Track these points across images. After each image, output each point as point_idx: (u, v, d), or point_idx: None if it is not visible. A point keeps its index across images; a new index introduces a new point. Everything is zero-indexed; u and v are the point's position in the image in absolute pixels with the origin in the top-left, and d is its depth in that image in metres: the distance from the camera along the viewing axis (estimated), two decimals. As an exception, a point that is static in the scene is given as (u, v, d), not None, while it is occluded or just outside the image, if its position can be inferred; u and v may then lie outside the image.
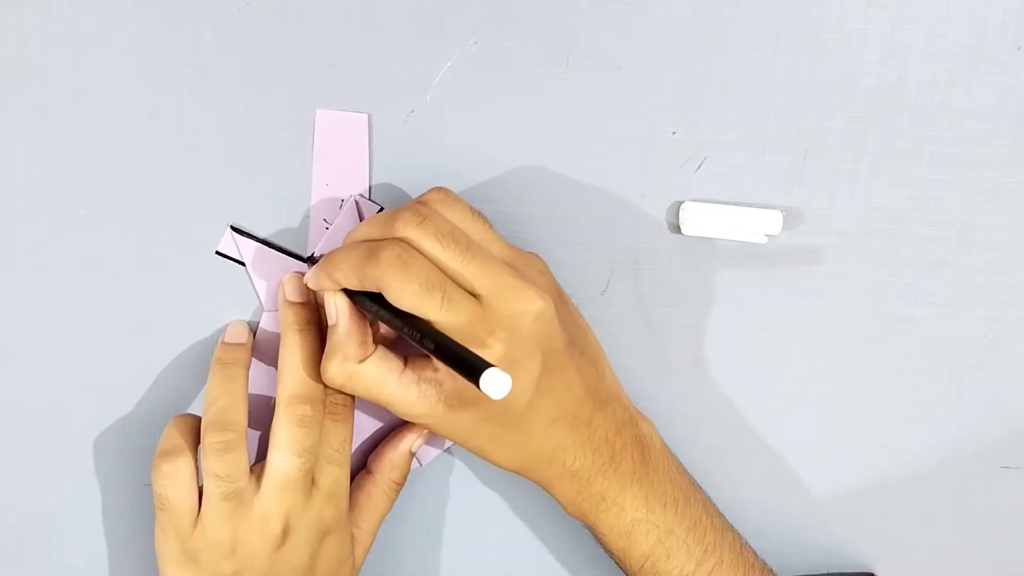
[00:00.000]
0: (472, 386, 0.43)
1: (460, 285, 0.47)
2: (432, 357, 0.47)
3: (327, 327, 0.53)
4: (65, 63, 0.52)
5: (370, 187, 0.54)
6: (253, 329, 0.55)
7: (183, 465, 0.51)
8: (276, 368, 0.52)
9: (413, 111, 0.54)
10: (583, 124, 0.54)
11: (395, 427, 0.57)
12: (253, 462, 0.53)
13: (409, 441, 0.56)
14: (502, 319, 0.47)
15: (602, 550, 0.55)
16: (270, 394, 0.55)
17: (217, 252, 0.55)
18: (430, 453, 0.58)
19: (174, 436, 0.52)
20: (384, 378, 0.49)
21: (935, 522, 0.60)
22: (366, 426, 0.57)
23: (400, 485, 0.56)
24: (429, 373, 0.49)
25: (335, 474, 0.53)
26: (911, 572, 0.61)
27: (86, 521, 0.58)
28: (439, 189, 0.50)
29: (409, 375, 0.49)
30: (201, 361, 0.56)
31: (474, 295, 0.47)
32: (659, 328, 0.57)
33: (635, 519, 0.52)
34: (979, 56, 0.54)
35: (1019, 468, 0.60)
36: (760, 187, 0.55)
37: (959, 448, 0.59)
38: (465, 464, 0.59)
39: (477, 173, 0.54)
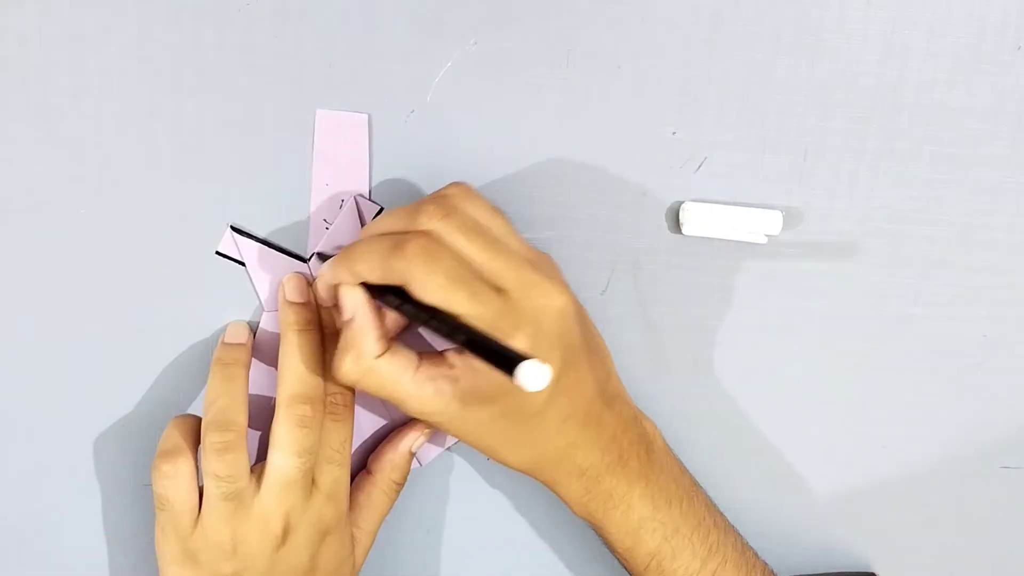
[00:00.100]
0: (489, 382, 0.43)
1: (485, 279, 0.47)
2: (453, 352, 0.47)
3: (326, 327, 0.54)
4: (65, 63, 0.52)
5: (370, 187, 0.54)
6: (253, 329, 0.55)
7: (183, 465, 0.51)
8: (276, 368, 0.52)
9: (413, 111, 0.54)
10: (583, 124, 0.54)
11: (395, 427, 0.57)
12: (253, 462, 0.53)
13: (409, 441, 0.56)
14: (526, 313, 0.47)
15: (604, 550, 0.55)
16: (270, 394, 0.55)
17: (217, 252, 0.55)
18: (430, 453, 0.58)
19: (174, 436, 0.52)
20: (398, 375, 0.49)
21: (935, 522, 0.60)
22: (366, 426, 0.57)
23: (400, 485, 0.56)
24: (444, 370, 0.49)
25: (335, 474, 0.53)
26: (911, 572, 0.61)
27: (86, 521, 0.58)
28: (458, 184, 0.50)
29: (424, 372, 0.49)
30: (201, 361, 0.56)
31: (498, 289, 0.47)
32: (659, 328, 0.57)
33: (642, 517, 0.52)
34: (979, 56, 0.54)
35: (1019, 468, 0.60)
36: (760, 187, 0.55)
37: (959, 448, 0.59)
38: (465, 464, 0.59)
39: (477, 173, 0.54)
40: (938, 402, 0.59)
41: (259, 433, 0.55)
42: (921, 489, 0.60)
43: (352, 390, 0.53)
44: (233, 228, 0.55)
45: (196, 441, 0.52)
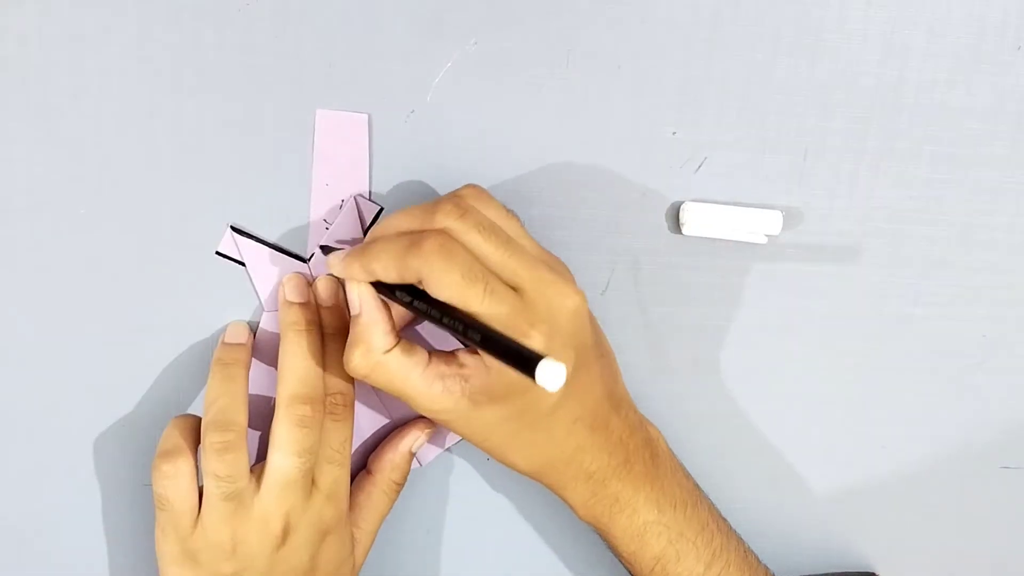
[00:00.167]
0: (500, 382, 0.43)
1: (501, 278, 0.47)
2: (464, 351, 0.47)
3: (326, 327, 0.54)
4: (65, 63, 0.52)
5: (370, 187, 0.54)
6: (253, 329, 0.55)
7: (183, 465, 0.51)
8: (276, 368, 0.52)
9: (413, 111, 0.54)
10: (583, 124, 0.54)
11: (395, 427, 0.57)
12: (253, 462, 0.53)
13: (409, 441, 0.56)
14: (541, 312, 0.47)
15: (603, 550, 0.55)
16: (270, 394, 0.55)
17: (217, 252, 0.55)
18: (430, 453, 0.58)
19: (174, 436, 0.52)
20: (408, 371, 0.49)
21: (935, 522, 0.60)
22: (366, 426, 0.57)
23: (400, 485, 0.56)
24: (455, 368, 0.49)
25: (335, 474, 0.53)
26: (911, 572, 0.61)
27: (86, 521, 0.58)
28: (472, 186, 0.50)
29: (434, 369, 0.49)
30: (201, 361, 0.56)
31: (513, 287, 0.47)
32: (659, 328, 0.57)
33: (647, 521, 0.52)
34: (979, 56, 0.54)
35: (1019, 468, 0.60)
36: (760, 187, 0.55)
37: (959, 448, 0.59)
38: (465, 464, 0.59)
39: (477, 173, 0.54)
40: (938, 402, 0.59)
41: (259, 433, 0.55)
42: (921, 489, 0.60)
43: (352, 390, 0.53)
44: (233, 228, 0.55)
45: (196, 441, 0.52)
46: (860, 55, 0.54)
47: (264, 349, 0.55)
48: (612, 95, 0.54)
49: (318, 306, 0.54)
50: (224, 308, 0.55)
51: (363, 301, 0.49)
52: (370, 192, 0.54)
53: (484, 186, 0.54)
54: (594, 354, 0.50)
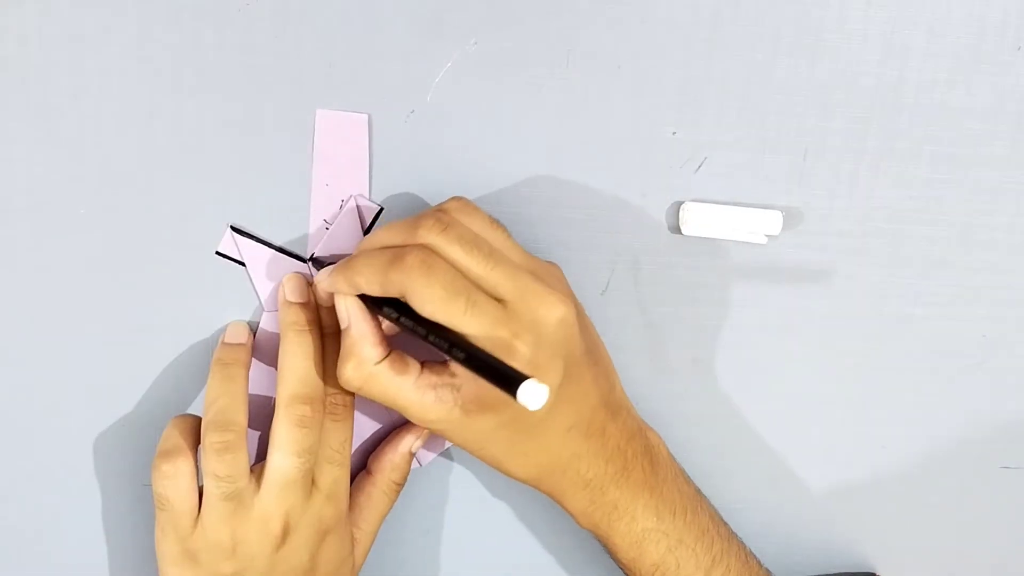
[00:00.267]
0: (492, 391, 0.43)
1: (484, 290, 0.47)
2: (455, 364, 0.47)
3: (326, 327, 0.54)
4: (65, 63, 0.52)
5: (370, 187, 0.54)
6: (253, 329, 0.55)
7: (183, 465, 0.51)
8: (276, 368, 0.52)
9: (413, 111, 0.54)
10: (583, 124, 0.54)
11: (395, 428, 0.57)
12: (253, 462, 0.53)
13: (409, 442, 0.56)
14: (526, 323, 0.47)
15: (602, 551, 0.55)
16: (270, 394, 0.55)
17: (217, 252, 0.55)
18: (430, 454, 0.58)
19: (174, 436, 0.52)
20: (400, 381, 0.49)
21: (935, 522, 0.60)
22: (366, 426, 0.57)
23: (400, 486, 0.56)
24: (447, 377, 0.49)
25: (335, 474, 0.53)
26: (911, 572, 0.61)
27: (86, 521, 0.58)
28: (458, 198, 0.51)
29: (426, 379, 0.49)
30: (201, 361, 0.56)
31: (498, 300, 0.47)
32: (659, 328, 0.57)
33: (646, 528, 0.52)
34: (979, 56, 0.54)
35: (1019, 468, 0.60)
36: (760, 187, 0.55)
37: (959, 448, 0.59)
38: (465, 465, 0.59)
39: (477, 173, 0.54)
40: (938, 402, 0.59)
41: (259, 433, 0.55)
42: (921, 489, 0.60)
43: (353, 392, 0.53)
44: (233, 228, 0.55)
45: (196, 441, 0.52)
46: (860, 55, 0.54)
47: (264, 349, 0.55)
48: (612, 95, 0.54)
49: (318, 306, 0.54)
50: (224, 308, 0.55)
51: (351, 314, 0.50)
52: (370, 192, 0.54)
53: (483, 186, 0.54)
54: (586, 362, 0.50)
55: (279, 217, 0.54)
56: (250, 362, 0.54)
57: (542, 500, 0.53)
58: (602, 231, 0.56)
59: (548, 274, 0.51)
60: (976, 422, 0.59)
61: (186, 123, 0.53)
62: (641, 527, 0.52)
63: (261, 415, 0.55)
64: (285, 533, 0.51)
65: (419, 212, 0.51)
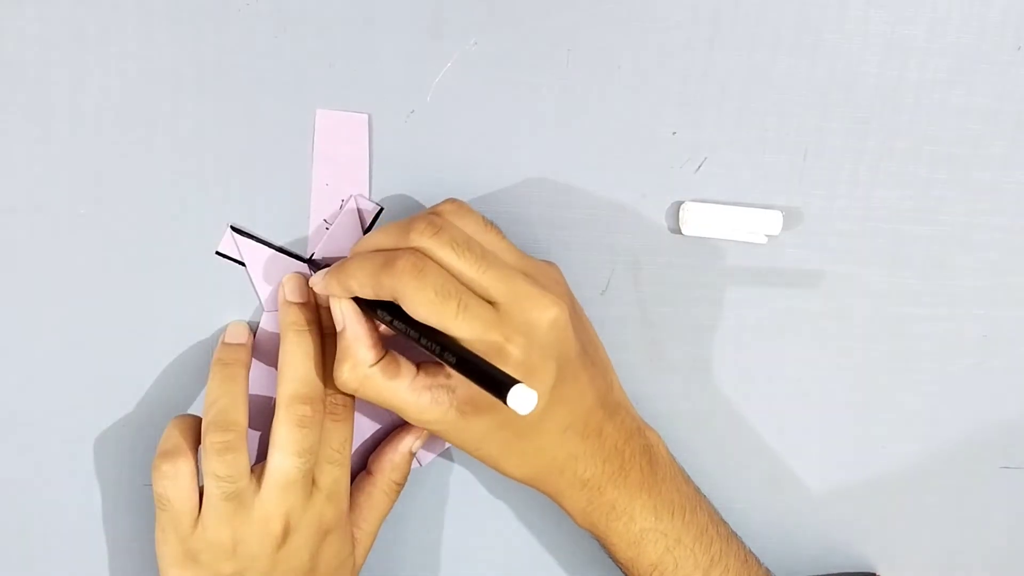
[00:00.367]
0: (486, 393, 0.43)
1: (476, 293, 0.47)
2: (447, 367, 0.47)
3: (326, 327, 0.54)
4: (65, 63, 0.52)
5: (370, 187, 0.54)
6: (253, 329, 0.55)
7: (183, 465, 0.51)
8: (276, 368, 0.52)
9: (413, 111, 0.54)
10: (583, 124, 0.54)
11: (395, 428, 0.57)
12: (254, 462, 0.53)
13: (409, 442, 0.56)
14: (518, 326, 0.47)
15: (602, 550, 0.55)
16: (270, 394, 0.55)
17: (217, 252, 0.55)
18: (430, 453, 0.58)
19: (174, 436, 0.52)
20: (396, 383, 0.49)
21: (935, 522, 0.60)
22: (366, 427, 0.57)
23: (400, 485, 0.56)
24: (442, 379, 0.49)
25: (335, 474, 0.53)
26: (911, 572, 0.61)
27: (86, 521, 0.58)
28: (452, 200, 0.51)
29: (421, 380, 0.49)
30: (201, 361, 0.56)
31: (490, 302, 0.47)
32: (659, 328, 0.57)
33: (644, 528, 0.52)
34: (979, 56, 0.54)
35: (1019, 468, 0.60)
36: (760, 187, 0.55)
37: (959, 448, 0.59)
38: (465, 464, 0.59)
39: (477, 173, 0.54)
40: (938, 402, 0.59)
41: (259, 433, 0.55)
42: (921, 489, 0.60)
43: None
44: (233, 228, 0.55)
45: (196, 441, 0.52)
46: (860, 55, 0.54)
47: (264, 349, 0.55)
48: (612, 95, 0.54)
49: (318, 306, 0.54)
50: (224, 308, 0.55)
51: (346, 317, 0.50)
52: (370, 192, 0.54)
53: (483, 186, 0.54)
54: (581, 363, 0.50)
55: (279, 217, 0.54)
56: (250, 362, 0.54)
57: (542, 500, 0.53)
58: (602, 231, 0.56)
59: (544, 274, 0.51)
60: (976, 422, 0.59)
61: (186, 123, 0.53)
62: (639, 527, 0.52)
63: (261, 415, 0.55)
64: (286, 533, 0.51)
65: (416, 213, 0.52)
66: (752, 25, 0.54)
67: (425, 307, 0.46)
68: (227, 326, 0.55)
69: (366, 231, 0.55)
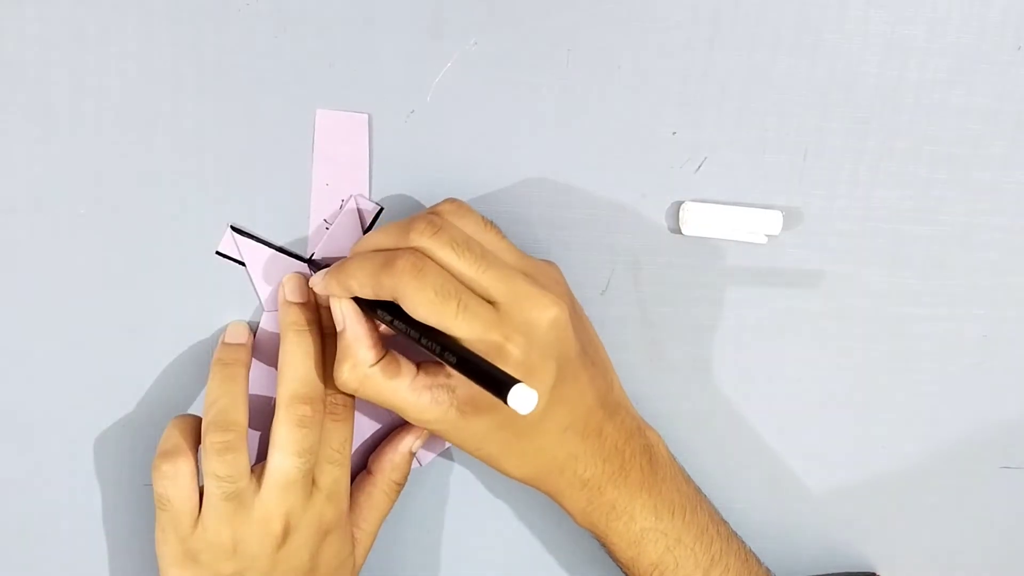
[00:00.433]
0: (485, 394, 0.43)
1: (476, 293, 0.47)
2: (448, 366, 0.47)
3: (326, 327, 0.54)
4: (65, 63, 0.52)
5: (370, 187, 0.54)
6: (253, 329, 0.55)
7: (183, 465, 0.51)
8: (276, 368, 0.52)
9: (413, 111, 0.54)
10: (583, 124, 0.54)
11: (395, 428, 0.57)
12: (254, 462, 0.53)
13: (409, 441, 0.56)
14: (518, 325, 0.47)
15: (603, 550, 0.55)
16: (270, 394, 0.55)
17: (217, 252, 0.55)
18: (430, 453, 0.58)
19: (174, 436, 0.52)
20: (396, 383, 0.49)
21: (935, 522, 0.60)
22: (366, 426, 0.57)
23: (401, 485, 0.56)
24: (442, 379, 0.49)
25: (335, 474, 0.53)
26: (911, 572, 0.61)
27: (86, 521, 0.58)
28: (451, 200, 0.51)
29: (421, 380, 0.49)
30: (201, 361, 0.56)
31: (490, 302, 0.48)
32: (659, 328, 0.57)
33: (644, 528, 0.52)
34: (979, 56, 0.54)
35: (1019, 468, 0.60)
36: (760, 187, 0.55)
37: (959, 448, 0.59)
38: (465, 464, 0.59)
39: (477, 173, 0.54)
40: (938, 402, 0.59)
41: (259, 433, 0.55)
42: (921, 489, 0.60)
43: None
44: (233, 228, 0.55)
45: (196, 441, 0.52)
46: (860, 55, 0.54)
47: (264, 349, 0.55)
48: (612, 95, 0.54)
49: (318, 306, 0.54)
50: (224, 308, 0.55)
51: (346, 316, 0.50)
52: (370, 192, 0.54)
53: (483, 186, 0.54)
54: (581, 363, 0.50)
55: (279, 217, 0.54)
56: (250, 362, 0.54)
57: (542, 500, 0.54)
58: (602, 231, 0.56)
59: (544, 274, 0.51)
60: (976, 422, 0.59)
61: (186, 123, 0.53)
62: (639, 526, 0.52)
63: (261, 415, 0.55)
64: (286, 533, 0.51)
65: (416, 212, 0.52)
66: (752, 25, 0.54)
67: (425, 307, 0.46)
68: (227, 326, 0.55)
69: (366, 231, 0.55)
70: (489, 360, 0.45)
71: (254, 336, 0.55)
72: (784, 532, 0.60)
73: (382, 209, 0.54)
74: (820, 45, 0.54)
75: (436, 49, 0.53)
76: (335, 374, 0.50)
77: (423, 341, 0.47)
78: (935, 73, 0.54)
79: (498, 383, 0.43)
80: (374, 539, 0.56)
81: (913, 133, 0.55)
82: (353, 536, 0.55)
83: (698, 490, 0.55)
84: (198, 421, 0.53)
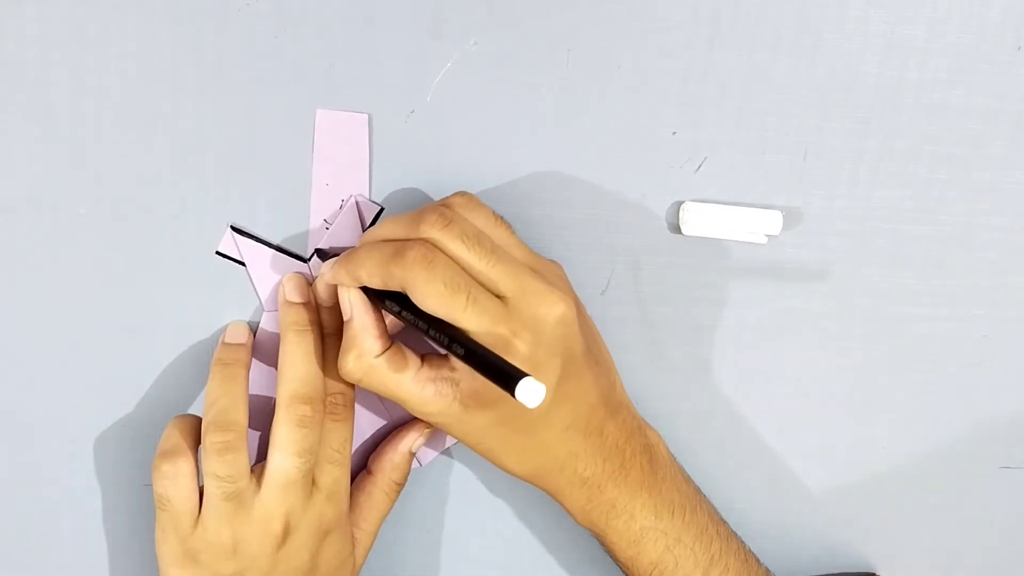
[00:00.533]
0: (490, 387, 0.43)
1: (485, 287, 0.47)
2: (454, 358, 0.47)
3: (326, 327, 0.54)
4: (65, 63, 0.52)
5: (370, 187, 0.54)
6: (253, 329, 0.55)
7: (183, 465, 0.51)
8: (276, 368, 0.52)
9: (413, 111, 0.54)
10: (583, 124, 0.54)
11: (395, 427, 0.57)
12: (254, 462, 0.53)
13: (409, 441, 0.56)
14: (526, 321, 0.47)
15: (603, 551, 0.55)
16: (270, 394, 0.55)
17: (217, 252, 0.55)
18: (430, 453, 0.58)
19: (174, 436, 0.52)
20: (400, 374, 0.49)
21: (935, 522, 0.60)
22: (366, 426, 0.57)
23: (401, 485, 0.56)
24: (446, 372, 0.49)
25: (335, 474, 0.53)
26: (911, 572, 0.61)
27: (86, 521, 0.58)
28: (462, 193, 0.51)
29: (426, 372, 0.49)
30: (201, 361, 0.56)
31: (498, 297, 0.47)
32: (659, 328, 0.57)
33: (644, 527, 0.52)
34: (979, 56, 0.54)
35: (1019, 468, 0.60)
36: (760, 187, 0.55)
37: (959, 448, 0.59)
38: (465, 464, 0.59)
39: (477, 173, 0.54)
40: (938, 402, 0.59)
41: (259, 433, 0.55)
42: (921, 489, 0.60)
43: (352, 390, 0.53)
44: (233, 228, 0.55)
45: (196, 441, 0.52)
46: (860, 55, 0.54)
47: (264, 349, 0.55)
48: (612, 95, 0.54)
49: (318, 306, 0.54)
50: (224, 308, 0.55)
51: (354, 306, 0.50)
52: (370, 192, 0.54)
53: (483, 186, 0.54)
54: (585, 361, 0.50)
55: (279, 217, 0.54)
56: (250, 362, 0.54)
57: (542, 500, 0.54)
58: (602, 231, 0.56)
59: (550, 272, 0.51)
60: (976, 422, 0.59)
61: (186, 123, 0.53)
62: (639, 525, 0.52)
63: (261, 415, 0.55)
64: (286, 533, 0.51)
65: (426, 204, 0.51)
66: (752, 25, 0.54)
67: (434, 299, 0.46)
68: (227, 326, 0.55)
69: (366, 231, 0.54)
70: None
71: (254, 336, 0.55)
72: (784, 532, 0.60)
73: (382, 209, 0.54)
74: (820, 45, 0.54)
75: (436, 49, 0.53)
76: (340, 363, 0.50)
77: (431, 332, 0.46)
78: (935, 73, 0.54)
79: (506, 376, 0.42)
80: (374, 539, 0.56)
81: (913, 133, 0.55)
82: (353, 536, 0.55)
83: (698, 490, 0.55)
84: (198, 421, 0.53)
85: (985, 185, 0.56)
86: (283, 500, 0.51)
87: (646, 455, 0.53)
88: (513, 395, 0.42)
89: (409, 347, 0.51)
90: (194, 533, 0.51)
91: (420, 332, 0.47)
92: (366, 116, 0.54)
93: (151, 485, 0.52)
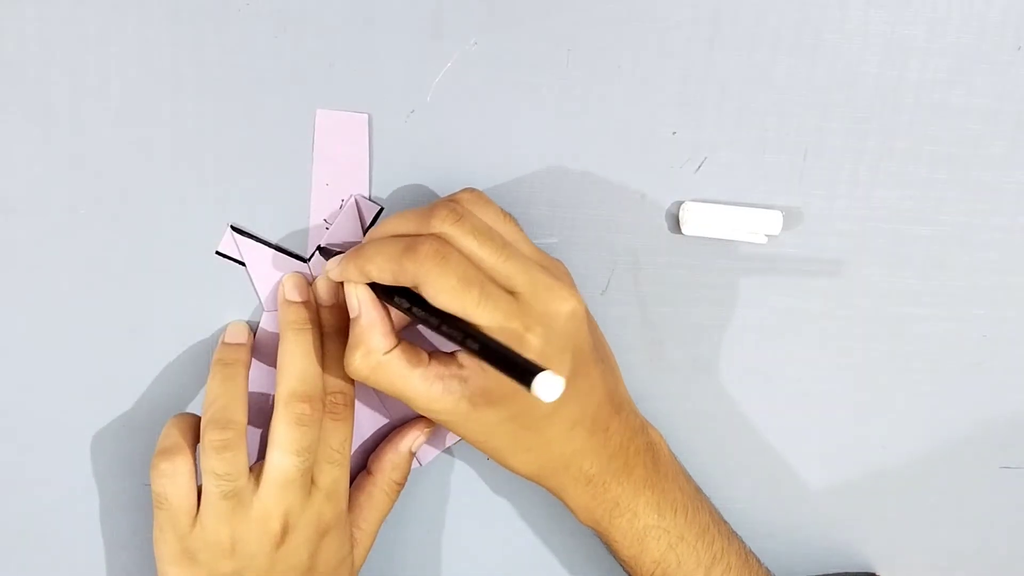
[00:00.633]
0: (499, 384, 0.43)
1: (496, 282, 0.47)
2: (464, 352, 0.47)
3: (325, 326, 0.54)
4: (65, 63, 0.52)
5: (370, 187, 0.54)
6: (253, 329, 0.55)
7: (182, 464, 0.51)
8: (276, 367, 0.52)
9: (413, 111, 0.54)
10: (583, 124, 0.54)
11: (395, 427, 0.57)
12: (253, 462, 0.53)
13: (409, 441, 0.56)
14: (538, 316, 0.47)
15: (603, 550, 0.55)
16: (270, 393, 0.55)
17: (217, 252, 0.55)
18: (430, 453, 0.58)
19: (173, 435, 0.52)
20: (408, 372, 0.49)
21: (935, 522, 0.60)
22: (366, 426, 0.57)
23: (401, 485, 0.56)
24: (454, 369, 0.49)
25: (334, 474, 0.53)
26: (911, 572, 0.61)
27: (85, 520, 0.58)
28: (470, 190, 0.51)
29: (433, 370, 0.49)
30: (201, 361, 0.56)
31: (509, 292, 0.47)
32: (659, 328, 0.57)
33: (647, 525, 0.52)
34: (979, 56, 0.54)
35: (1019, 468, 0.60)
36: (760, 187, 0.55)
37: (959, 448, 0.59)
38: (466, 464, 0.59)
39: (477, 173, 0.54)
40: (938, 402, 0.59)
41: (259, 432, 0.55)
42: (921, 489, 0.60)
43: (352, 390, 0.53)
44: (233, 228, 0.55)
45: (195, 439, 0.52)
46: (860, 55, 0.54)
47: (264, 349, 0.55)
48: (612, 95, 0.54)
49: (318, 305, 0.54)
50: (224, 308, 0.55)
51: (361, 303, 0.50)
52: (370, 192, 0.54)
53: (484, 186, 0.54)
54: (593, 358, 0.50)
55: (279, 217, 0.54)
56: (250, 362, 0.54)
57: (543, 500, 0.54)
58: (602, 231, 0.56)
59: (556, 269, 0.51)
60: (976, 422, 0.59)
61: (186, 123, 0.53)
62: (642, 524, 0.52)
63: (261, 414, 0.55)
64: (284, 532, 0.51)
65: (434, 200, 0.51)
66: (752, 25, 0.54)
67: (447, 294, 0.46)
68: (227, 326, 0.55)
69: (366, 231, 0.55)
70: None
71: (254, 336, 0.55)
72: (784, 532, 0.60)
73: (382, 209, 0.55)
74: (820, 45, 0.54)
75: (436, 49, 0.53)
76: (346, 360, 0.50)
77: (443, 328, 0.46)
78: (935, 73, 0.54)
79: (523, 371, 0.42)
80: (374, 539, 0.56)
81: (913, 133, 0.55)
82: (353, 536, 0.55)
83: (699, 489, 0.55)
84: (197, 420, 0.53)
85: (985, 185, 0.56)
86: (282, 499, 0.51)
87: (649, 453, 0.53)
88: (529, 389, 0.41)
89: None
90: (192, 532, 0.51)
91: (431, 328, 0.47)
92: (366, 116, 0.54)
93: (150, 484, 0.52)
